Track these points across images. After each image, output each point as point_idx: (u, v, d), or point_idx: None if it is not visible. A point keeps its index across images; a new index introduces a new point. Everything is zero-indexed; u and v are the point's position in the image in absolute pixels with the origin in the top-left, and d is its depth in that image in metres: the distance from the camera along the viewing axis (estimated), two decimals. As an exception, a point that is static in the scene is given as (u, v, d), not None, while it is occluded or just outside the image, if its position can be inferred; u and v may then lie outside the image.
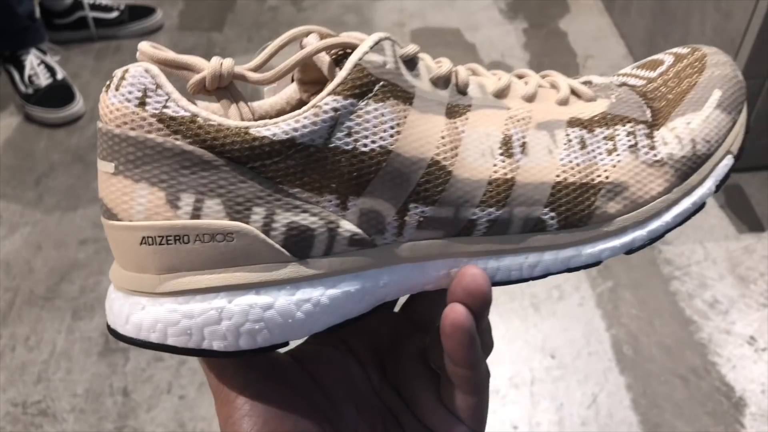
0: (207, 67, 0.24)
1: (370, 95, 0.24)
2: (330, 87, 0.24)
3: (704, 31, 1.08)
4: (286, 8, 1.55)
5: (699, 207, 0.28)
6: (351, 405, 0.29)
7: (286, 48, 0.25)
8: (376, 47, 0.24)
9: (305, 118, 0.23)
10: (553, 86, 0.29)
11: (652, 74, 0.31)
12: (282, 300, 0.24)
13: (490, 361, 0.98)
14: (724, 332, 0.93)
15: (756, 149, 1.10)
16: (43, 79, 1.30)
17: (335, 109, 0.23)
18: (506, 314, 0.96)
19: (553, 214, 0.26)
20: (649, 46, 1.29)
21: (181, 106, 0.23)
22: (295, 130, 0.23)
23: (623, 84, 0.31)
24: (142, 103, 0.23)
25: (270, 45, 0.25)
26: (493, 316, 0.95)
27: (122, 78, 0.23)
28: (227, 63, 0.24)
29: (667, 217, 0.28)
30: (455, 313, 0.25)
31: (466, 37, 1.45)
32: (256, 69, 0.25)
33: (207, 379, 0.27)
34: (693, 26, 1.12)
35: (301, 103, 0.29)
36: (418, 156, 0.25)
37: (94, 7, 1.46)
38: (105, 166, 0.24)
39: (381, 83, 0.24)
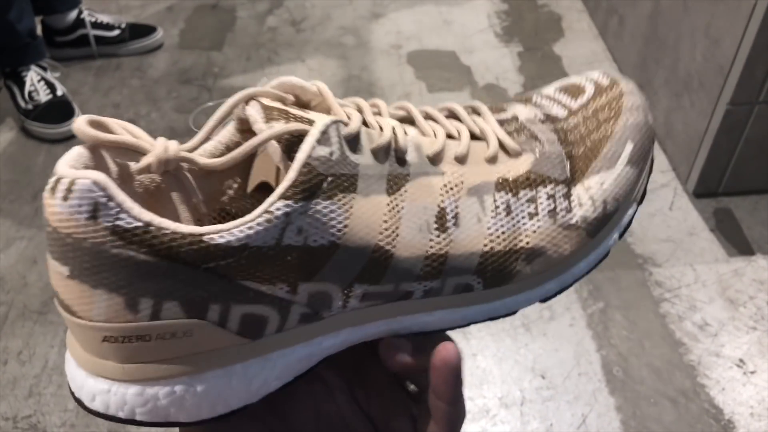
0: (152, 150, 0.25)
1: (320, 193, 0.25)
2: (280, 190, 0.25)
3: (694, 56, 1.10)
4: (285, 29, 1.57)
5: (604, 256, 0.31)
6: (312, 430, 0.30)
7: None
8: (323, 138, 0.25)
9: (258, 224, 0.24)
10: (482, 136, 0.31)
11: (573, 104, 0.33)
12: (238, 378, 0.26)
13: (480, 380, 0.98)
14: (713, 355, 0.93)
15: (746, 174, 1.12)
16: (43, 96, 1.31)
17: (287, 214, 0.25)
18: (497, 334, 0.96)
19: (479, 279, 0.29)
20: (641, 70, 1.31)
21: (133, 217, 0.23)
22: (249, 237, 0.24)
23: (546, 117, 0.33)
24: (93, 217, 0.23)
25: (213, 117, 0.26)
26: (485, 336, 0.96)
27: (69, 190, 0.23)
28: (172, 148, 0.25)
29: (575, 270, 0.31)
30: (446, 350, 0.27)
31: (462, 59, 1.47)
32: (202, 142, 0.27)
33: None
34: (683, 52, 1.14)
35: (238, 145, 0.30)
36: (363, 245, 0.26)
37: (96, 25, 1.48)
38: (58, 267, 0.24)
39: (329, 179, 0.25)
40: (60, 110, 1.31)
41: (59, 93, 1.33)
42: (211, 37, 1.56)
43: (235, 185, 0.31)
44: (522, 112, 0.33)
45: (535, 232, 0.30)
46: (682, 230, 1.10)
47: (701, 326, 0.97)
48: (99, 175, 0.23)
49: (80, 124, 0.24)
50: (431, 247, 0.28)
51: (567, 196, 0.30)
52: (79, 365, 0.26)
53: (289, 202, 0.25)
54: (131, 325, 0.24)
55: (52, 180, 0.23)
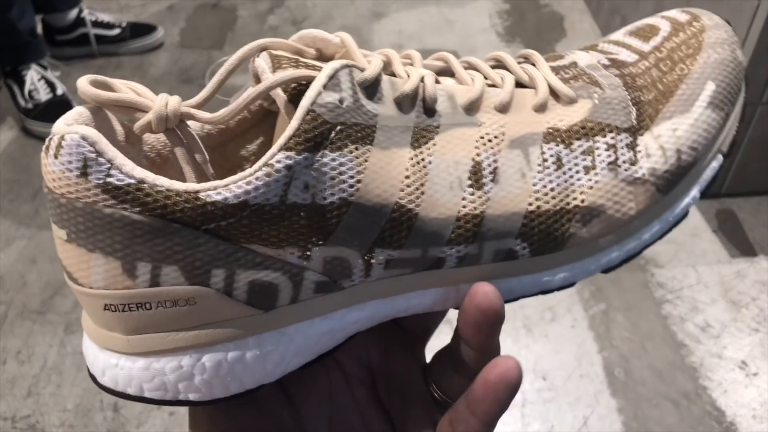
0: (152, 107, 0.23)
1: (326, 144, 0.22)
2: (281, 141, 0.22)
3: (697, 57, 1.10)
4: (286, 28, 1.57)
5: (681, 218, 0.27)
6: (324, 423, 0.28)
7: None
8: (331, 83, 0.23)
9: (257, 179, 0.22)
10: (531, 83, 0.27)
11: (645, 47, 0.29)
12: (251, 352, 0.24)
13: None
14: (715, 356, 0.93)
15: (749, 175, 1.11)
16: (43, 94, 1.31)
17: (289, 167, 0.22)
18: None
19: (524, 244, 0.25)
20: (643, 71, 1.31)
21: (125, 173, 0.22)
22: (247, 192, 0.22)
23: (612, 62, 0.29)
24: (83, 174, 0.21)
25: (220, 71, 0.24)
26: (486, 337, 0.95)
27: (59, 146, 0.22)
28: (173, 103, 0.23)
29: (646, 234, 0.27)
30: (508, 366, 0.24)
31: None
32: (209, 98, 0.24)
33: None
34: (686, 52, 1.13)
35: (262, 111, 0.27)
36: (381, 203, 0.23)
37: (96, 23, 1.48)
38: (58, 231, 0.23)
39: (337, 128, 0.23)
40: (60, 109, 1.30)
41: (59, 92, 1.33)
42: (212, 36, 1.55)
43: (258, 149, 0.28)
44: (583, 58, 0.29)
45: (591, 188, 0.25)
46: (685, 231, 1.09)
47: (703, 328, 0.96)
48: (87, 130, 0.21)
49: (82, 82, 0.23)
50: (464, 206, 0.24)
51: (632, 146, 0.26)
52: (90, 338, 0.25)
53: (291, 153, 0.22)
54: (130, 291, 0.22)
55: (48, 138, 0.22)
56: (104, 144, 0.21)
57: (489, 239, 0.25)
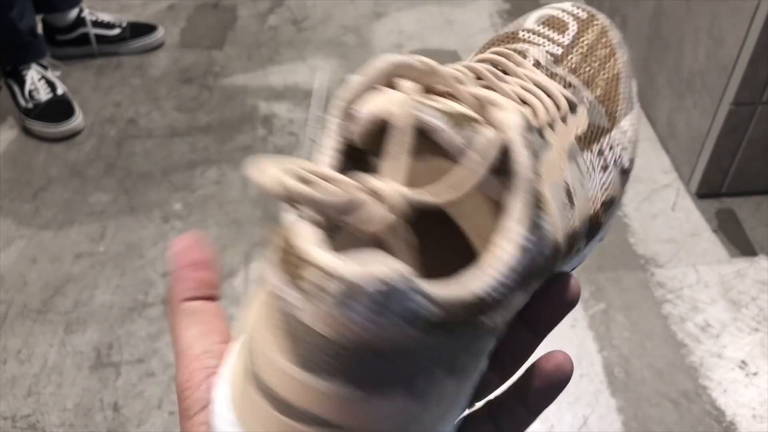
0: (367, 201, 0.19)
1: (539, 203, 0.22)
2: (519, 216, 0.22)
3: (697, 57, 1.10)
4: (287, 28, 1.57)
5: None
6: None
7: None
8: (526, 142, 0.22)
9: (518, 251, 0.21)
10: (548, 95, 0.28)
11: (563, 39, 0.31)
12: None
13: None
14: (715, 356, 0.93)
15: (749, 175, 1.11)
16: (44, 94, 1.31)
17: (535, 236, 0.22)
18: (499, 335, 0.96)
19: (584, 240, 0.29)
20: (644, 70, 1.31)
21: (433, 301, 0.19)
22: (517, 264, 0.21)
23: (554, 58, 0.30)
24: (408, 320, 0.18)
25: (395, 140, 0.21)
26: (486, 337, 0.95)
27: (383, 292, 0.17)
28: (407, 193, 0.20)
29: (619, 206, 0.32)
30: (564, 357, 0.26)
31: (464, 59, 1.47)
32: (404, 165, 0.21)
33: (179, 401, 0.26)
34: (686, 52, 1.13)
35: (344, 164, 0.24)
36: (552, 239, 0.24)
37: (96, 23, 1.48)
38: (321, 383, 0.18)
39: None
40: (60, 109, 1.30)
41: (60, 92, 1.33)
42: (212, 36, 1.55)
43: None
44: (536, 54, 0.30)
45: (610, 183, 0.30)
46: (685, 231, 1.09)
47: (703, 327, 0.96)
48: (403, 267, 0.18)
49: (280, 177, 0.18)
50: (566, 225, 0.26)
51: (616, 141, 0.30)
52: None
53: (525, 224, 0.22)
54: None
55: (338, 288, 0.17)
56: (416, 279, 0.18)
57: (575, 246, 0.28)
